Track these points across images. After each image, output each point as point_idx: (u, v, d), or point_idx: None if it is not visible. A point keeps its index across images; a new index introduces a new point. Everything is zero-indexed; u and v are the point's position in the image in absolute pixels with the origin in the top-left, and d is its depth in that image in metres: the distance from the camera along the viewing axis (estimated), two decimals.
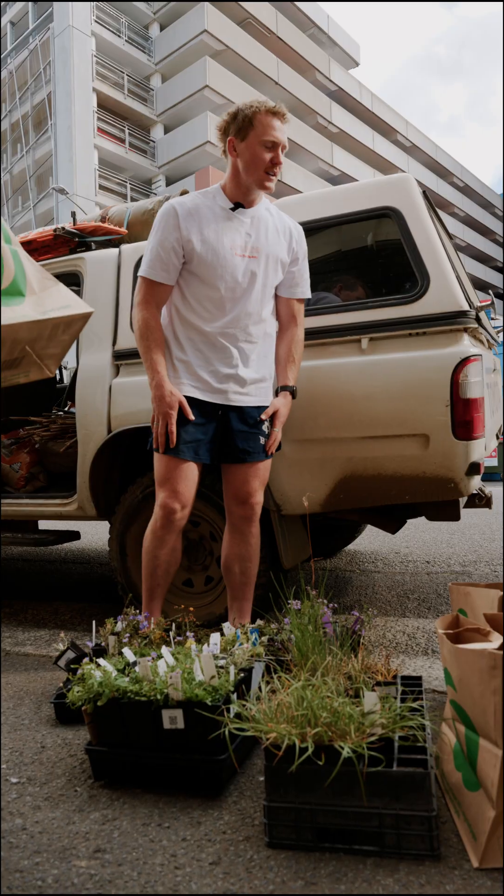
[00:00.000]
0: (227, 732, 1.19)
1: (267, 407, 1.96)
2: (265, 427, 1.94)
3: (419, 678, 1.46)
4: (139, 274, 1.88)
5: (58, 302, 1.97)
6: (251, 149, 1.79)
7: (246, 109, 1.79)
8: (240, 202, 1.87)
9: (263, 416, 1.92)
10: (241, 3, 21.89)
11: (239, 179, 1.84)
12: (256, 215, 1.90)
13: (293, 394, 1.98)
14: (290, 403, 1.98)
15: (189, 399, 1.85)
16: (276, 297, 2.00)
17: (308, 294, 2.03)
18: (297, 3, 24.84)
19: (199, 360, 1.88)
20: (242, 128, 1.80)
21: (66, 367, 4.83)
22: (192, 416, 1.84)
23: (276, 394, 1.98)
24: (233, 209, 1.86)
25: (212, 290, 1.86)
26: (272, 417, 1.94)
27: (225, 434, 1.92)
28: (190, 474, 1.86)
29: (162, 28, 23.13)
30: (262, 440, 1.93)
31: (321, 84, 26.11)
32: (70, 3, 20.14)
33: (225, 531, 1.98)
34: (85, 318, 2.02)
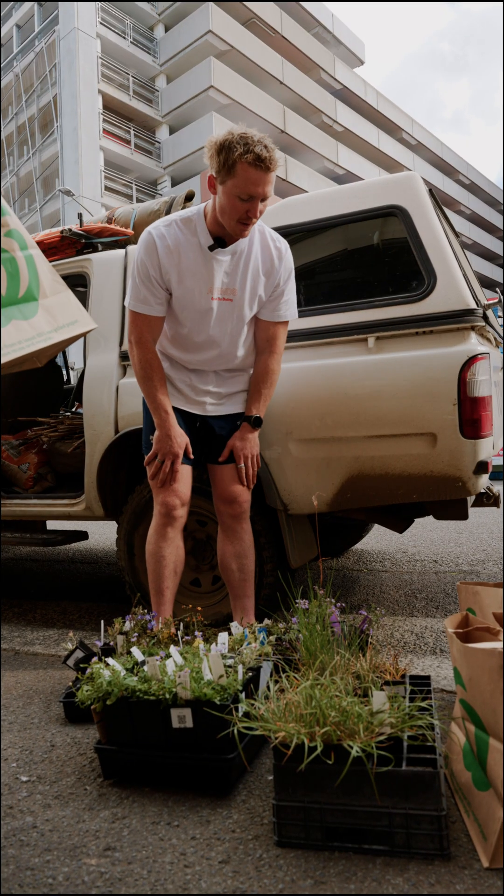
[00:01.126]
0: (235, 731, 1.19)
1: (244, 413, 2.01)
2: None
3: (428, 678, 1.46)
4: (128, 307, 1.82)
5: (67, 316, 2.00)
6: (228, 196, 1.66)
7: (231, 152, 1.61)
8: (221, 237, 1.77)
9: (220, 459, 1.90)
10: (245, 2, 21.87)
11: (217, 217, 1.74)
12: (238, 251, 1.81)
13: (253, 424, 1.89)
14: (253, 436, 1.91)
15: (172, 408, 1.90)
16: (256, 320, 1.91)
17: (291, 316, 1.93)
18: (301, 3, 24.80)
19: (179, 376, 1.94)
20: (222, 171, 1.65)
21: (73, 368, 4.86)
22: (192, 456, 1.89)
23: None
24: (212, 247, 1.77)
25: (186, 331, 1.86)
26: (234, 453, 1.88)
27: (210, 438, 1.97)
28: (184, 473, 1.91)
29: (167, 29, 23.18)
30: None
31: (326, 83, 26.07)
32: (75, 4, 20.20)
33: (218, 532, 2.01)
34: (88, 332, 2.06)
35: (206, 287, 1.80)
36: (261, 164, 1.61)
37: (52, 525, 4.37)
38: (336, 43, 27.26)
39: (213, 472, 1.99)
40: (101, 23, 21.24)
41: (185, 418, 1.94)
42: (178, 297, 1.81)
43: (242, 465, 1.89)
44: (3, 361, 1.82)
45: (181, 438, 1.85)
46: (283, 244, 1.91)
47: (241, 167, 1.62)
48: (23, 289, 1.93)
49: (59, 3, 20.97)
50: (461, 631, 1.22)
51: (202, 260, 1.78)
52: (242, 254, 1.82)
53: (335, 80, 26.31)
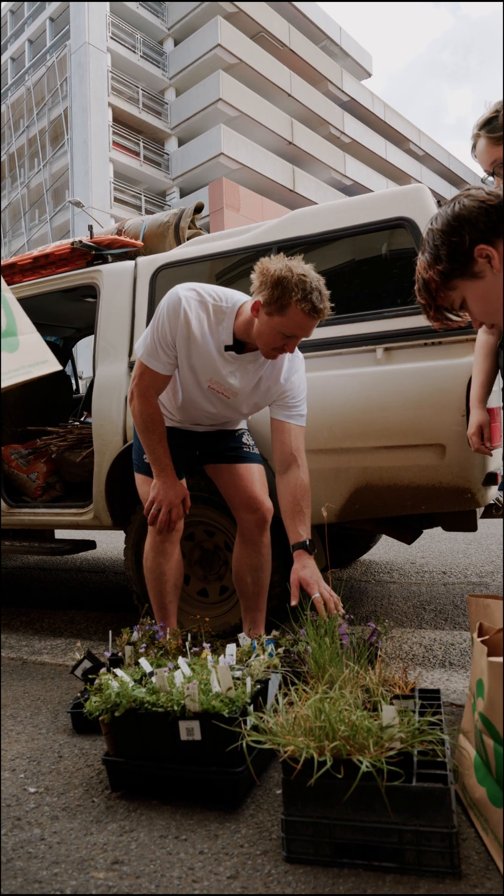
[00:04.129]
0: (244, 745, 1.18)
1: (241, 429, 2.03)
2: (246, 439, 2.03)
3: (437, 691, 1.45)
4: (140, 359, 1.78)
5: (38, 355, 2.12)
6: (270, 329, 1.64)
7: (288, 294, 1.58)
8: (241, 342, 1.76)
9: (293, 602, 1.68)
10: (249, 1, 22.09)
11: (251, 331, 1.71)
12: (249, 359, 1.79)
13: (309, 549, 1.75)
14: (312, 561, 1.72)
15: (169, 428, 1.89)
16: (272, 419, 1.88)
17: (303, 423, 1.88)
18: (309, 17, 25.08)
19: (176, 415, 1.95)
20: (273, 304, 1.61)
21: (81, 378, 4.88)
22: (189, 504, 1.88)
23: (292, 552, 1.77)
24: (228, 348, 1.75)
25: (181, 401, 1.87)
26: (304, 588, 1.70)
27: (211, 446, 2.00)
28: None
29: (176, 43, 23.49)
30: (247, 449, 2.00)
31: (333, 95, 26.29)
32: (86, 19, 20.54)
33: (236, 542, 1.99)
34: (51, 373, 2.17)
35: (207, 376, 1.78)
36: (315, 313, 1.61)
37: (60, 534, 4.39)
38: (343, 55, 27.50)
39: (225, 473, 1.97)
40: (111, 37, 21.56)
41: (183, 439, 1.95)
42: (182, 372, 1.80)
43: (319, 592, 1.66)
44: (3, 385, 1.93)
45: (180, 489, 1.84)
46: (298, 360, 1.89)
47: (294, 311, 1.60)
48: (4, 323, 2.03)
49: (71, 19, 21.33)
50: (487, 637, 1.20)
51: (214, 352, 1.76)
52: (251, 363, 1.80)
53: (343, 92, 26.52)
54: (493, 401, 1.92)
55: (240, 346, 1.77)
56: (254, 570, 1.95)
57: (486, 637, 1.20)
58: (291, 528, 1.79)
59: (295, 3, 24.22)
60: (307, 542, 1.75)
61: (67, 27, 21.74)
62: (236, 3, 21.64)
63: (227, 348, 1.76)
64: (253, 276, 1.67)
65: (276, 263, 1.62)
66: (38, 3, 23.54)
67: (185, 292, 1.73)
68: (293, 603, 1.67)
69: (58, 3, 22.41)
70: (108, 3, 21.50)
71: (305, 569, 1.71)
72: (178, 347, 1.74)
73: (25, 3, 24.56)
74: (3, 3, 24.87)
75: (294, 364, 1.88)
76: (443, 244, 1.12)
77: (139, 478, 1.98)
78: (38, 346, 2.09)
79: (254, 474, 1.96)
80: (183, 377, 1.81)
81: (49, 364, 2.09)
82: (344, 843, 1.06)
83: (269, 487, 2.02)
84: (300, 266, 1.62)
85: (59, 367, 2.13)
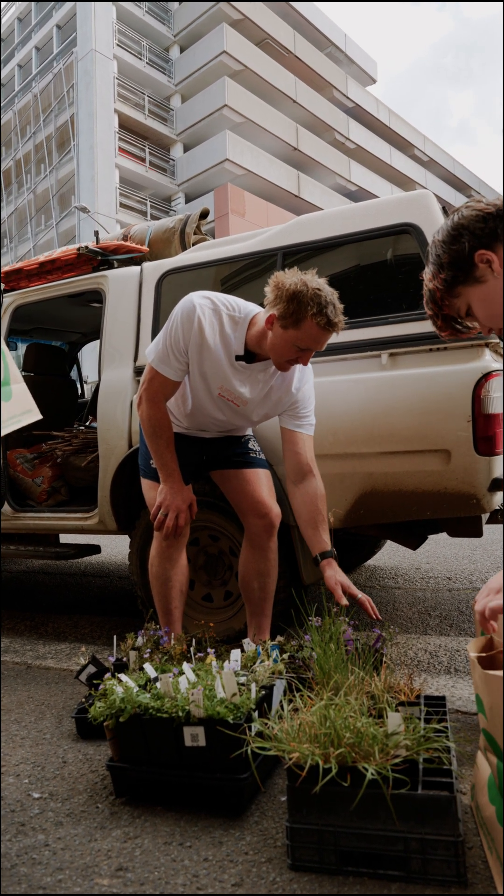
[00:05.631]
0: (249, 751, 1.18)
1: (247, 435, 2.03)
2: (252, 444, 2.03)
3: (443, 698, 1.44)
4: (151, 364, 1.79)
5: (26, 404, 2.21)
6: (285, 342, 1.66)
7: (303, 308, 1.60)
8: (253, 353, 1.77)
9: (343, 603, 1.69)
10: (252, 1, 22.17)
11: (263, 343, 1.73)
12: (259, 368, 1.80)
13: (335, 557, 1.77)
14: (339, 568, 1.76)
15: (175, 434, 1.89)
16: (282, 429, 1.90)
17: (312, 432, 1.90)
18: (314, 24, 25.22)
19: (184, 422, 1.96)
20: (288, 317, 1.62)
21: (87, 382, 4.90)
22: (195, 509, 1.88)
23: (317, 562, 1.79)
24: (238, 358, 1.76)
25: (191, 408, 1.87)
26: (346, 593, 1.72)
27: (217, 452, 2.00)
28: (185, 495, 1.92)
29: (182, 50, 23.66)
30: (253, 454, 2.00)
31: (338, 101, 26.41)
32: (93, 27, 20.72)
33: (243, 547, 1.99)
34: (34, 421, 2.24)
35: (218, 383, 1.79)
36: (330, 327, 1.63)
37: (64, 538, 4.39)
38: (348, 62, 27.64)
39: (232, 478, 1.97)
40: (117, 44, 21.75)
41: (190, 444, 1.95)
42: (193, 379, 1.81)
43: (361, 594, 1.71)
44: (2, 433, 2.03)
45: (187, 494, 1.84)
46: (308, 370, 1.91)
47: (310, 324, 1.62)
48: (2, 374, 2.15)
49: (78, 26, 21.52)
50: (484, 655, 1.19)
51: (225, 361, 1.77)
52: (261, 372, 1.81)
53: (348, 98, 26.64)
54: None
55: (250, 356, 1.78)
56: (260, 576, 1.95)
57: (483, 654, 1.18)
58: (315, 538, 1.80)
59: (299, 9, 24.36)
60: (333, 552, 1.78)
61: (74, 34, 21.94)
62: (236, 3, 21.72)
63: (238, 358, 1.77)
64: (267, 289, 1.68)
65: (290, 278, 1.63)
66: (49, 4, 23.71)
67: (199, 300, 1.74)
68: (344, 603, 1.70)
69: (64, 11, 22.61)
70: (114, 11, 21.69)
71: (339, 573, 1.74)
72: (191, 354, 1.75)
73: (33, 7, 24.79)
74: (11, 9, 25.10)
75: (304, 374, 1.90)
76: (444, 253, 1.17)
77: (146, 483, 1.98)
78: (25, 395, 2.20)
79: (261, 479, 1.96)
80: (193, 384, 1.82)
81: (34, 413, 2.19)
82: (349, 850, 1.06)
83: (276, 493, 2.02)
84: (315, 280, 1.64)
85: (41, 417, 2.24)
